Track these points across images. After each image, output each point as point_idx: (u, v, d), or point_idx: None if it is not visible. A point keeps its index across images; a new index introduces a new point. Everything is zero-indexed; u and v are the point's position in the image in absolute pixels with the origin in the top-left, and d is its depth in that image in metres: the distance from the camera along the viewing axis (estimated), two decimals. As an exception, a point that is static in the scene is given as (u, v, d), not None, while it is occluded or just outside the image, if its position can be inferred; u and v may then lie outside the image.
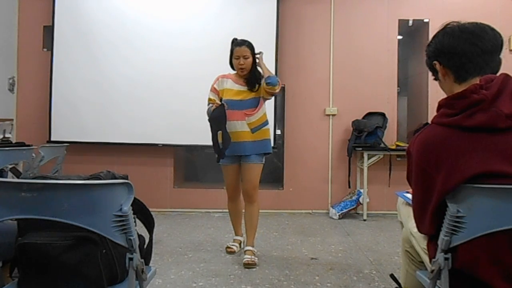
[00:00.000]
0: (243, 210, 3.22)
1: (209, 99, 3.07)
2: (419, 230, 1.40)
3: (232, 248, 3.22)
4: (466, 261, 1.22)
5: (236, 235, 3.34)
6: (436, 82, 1.46)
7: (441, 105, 1.32)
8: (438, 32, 1.40)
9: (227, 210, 3.31)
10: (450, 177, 1.20)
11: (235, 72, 3.10)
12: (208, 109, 3.01)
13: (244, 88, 3.03)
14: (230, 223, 3.37)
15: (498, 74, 1.31)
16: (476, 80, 1.30)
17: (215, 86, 3.09)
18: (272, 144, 4.67)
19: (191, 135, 4.57)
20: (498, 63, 1.35)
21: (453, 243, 1.22)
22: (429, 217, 1.28)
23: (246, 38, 3.06)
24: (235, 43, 3.03)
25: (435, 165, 1.24)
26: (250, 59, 3.02)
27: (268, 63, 4.58)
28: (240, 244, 3.28)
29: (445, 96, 1.34)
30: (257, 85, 3.03)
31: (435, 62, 1.40)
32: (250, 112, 3.00)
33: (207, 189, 4.93)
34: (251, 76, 3.04)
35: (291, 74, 4.91)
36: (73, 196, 1.22)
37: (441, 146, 1.25)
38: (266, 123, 3.09)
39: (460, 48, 1.32)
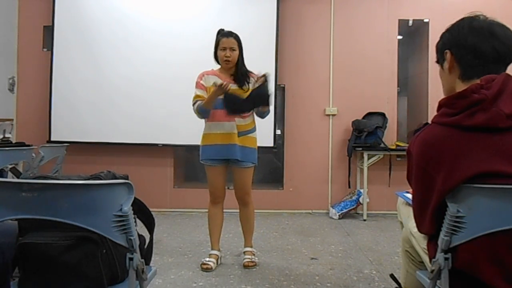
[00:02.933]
0: (241, 214, 3.02)
1: (197, 96, 2.84)
2: (419, 230, 1.40)
3: (208, 264, 2.81)
4: (466, 261, 1.21)
5: (213, 248, 2.94)
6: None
7: (441, 104, 1.31)
8: (464, 22, 1.33)
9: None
10: (450, 177, 1.20)
11: (218, 67, 2.92)
12: (198, 105, 2.80)
13: (235, 86, 2.81)
14: (209, 229, 2.99)
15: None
16: (478, 81, 1.29)
17: (201, 82, 2.87)
18: (273, 144, 4.74)
19: (191, 135, 4.52)
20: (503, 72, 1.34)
21: (453, 243, 1.22)
22: (429, 217, 1.28)
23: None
24: (222, 33, 2.85)
25: (435, 165, 1.24)
26: (237, 52, 2.82)
27: (268, 63, 4.68)
28: (217, 260, 2.90)
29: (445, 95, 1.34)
30: (246, 83, 2.84)
31: (447, 50, 1.35)
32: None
33: (207, 189, 4.87)
34: (238, 71, 2.85)
35: (291, 74, 4.91)
36: (73, 196, 1.22)
37: (441, 146, 1.24)
38: (253, 130, 2.91)
39: (482, 50, 1.28)
